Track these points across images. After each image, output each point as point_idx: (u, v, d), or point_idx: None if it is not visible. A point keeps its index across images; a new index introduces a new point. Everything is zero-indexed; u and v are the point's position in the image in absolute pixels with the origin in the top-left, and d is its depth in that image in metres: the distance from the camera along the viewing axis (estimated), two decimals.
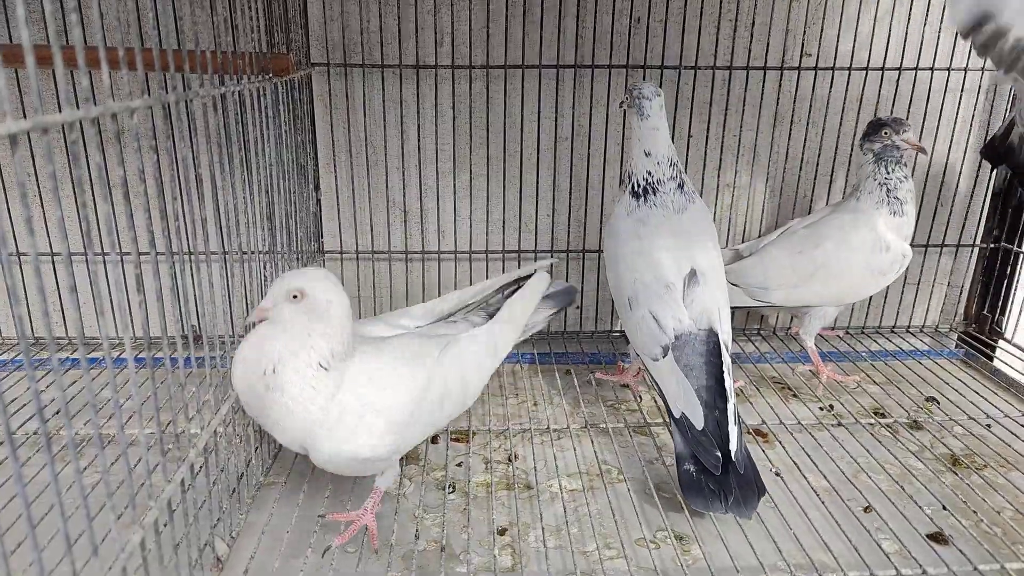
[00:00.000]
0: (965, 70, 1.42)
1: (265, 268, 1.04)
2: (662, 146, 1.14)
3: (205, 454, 0.81)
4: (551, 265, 1.17)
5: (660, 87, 1.15)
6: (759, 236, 1.51)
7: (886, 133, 1.27)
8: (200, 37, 0.79)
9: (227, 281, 0.90)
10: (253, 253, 0.97)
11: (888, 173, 1.28)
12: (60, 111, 0.51)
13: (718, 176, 1.47)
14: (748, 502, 0.95)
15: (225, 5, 0.86)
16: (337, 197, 1.43)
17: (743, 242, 1.48)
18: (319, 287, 0.84)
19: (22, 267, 1.28)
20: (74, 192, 0.53)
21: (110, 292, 0.63)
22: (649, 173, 1.14)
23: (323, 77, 1.36)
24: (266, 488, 1.04)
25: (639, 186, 1.15)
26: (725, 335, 1.06)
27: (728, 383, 1.01)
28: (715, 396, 1.00)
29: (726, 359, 1.03)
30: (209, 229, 0.81)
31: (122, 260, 0.58)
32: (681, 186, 1.15)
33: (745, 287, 1.34)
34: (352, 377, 0.86)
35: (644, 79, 1.38)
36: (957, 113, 1.45)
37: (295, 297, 0.84)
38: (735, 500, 0.94)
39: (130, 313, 0.61)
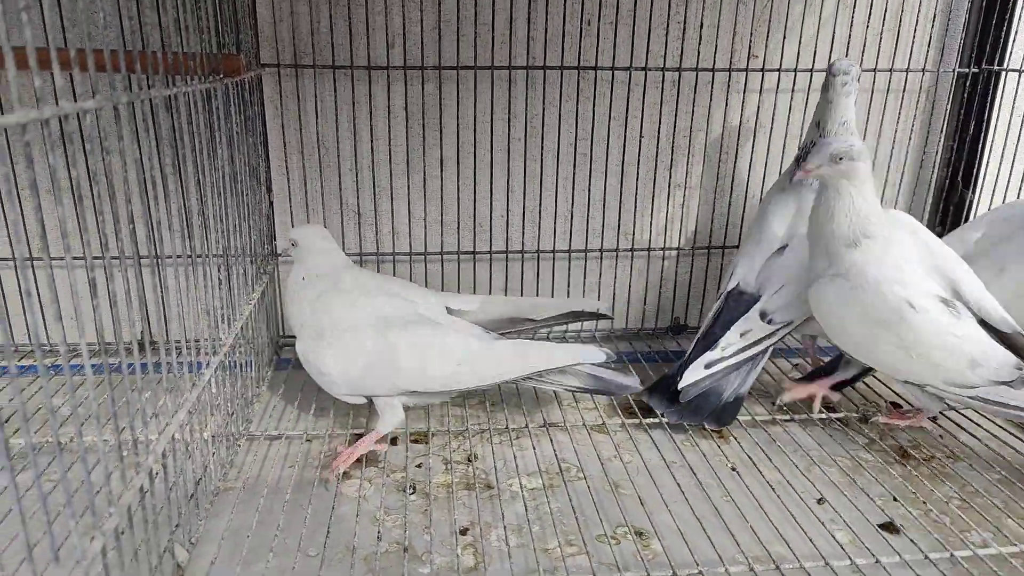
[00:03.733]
0: (906, 71, 1.49)
1: (219, 271, 1.03)
2: (828, 121, 1.27)
3: (163, 460, 0.80)
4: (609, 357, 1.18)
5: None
6: (710, 234, 1.56)
7: None
8: (150, 38, 0.78)
9: (176, 285, 0.88)
10: (207, 256, 0.96)
11: None
12: None
13: (669, 176, 1.51)
14: None
15: (175, 5, 0.85)
16: (290, 199, 1.41)
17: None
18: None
19: None
20: (18, 197, 0.52)
21: (57, 298, 0.60)
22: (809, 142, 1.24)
23: (273, 78, 1.34)
24: (224, 494, 1.02)
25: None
26: None
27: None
28: None
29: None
30: (163, 232, 0.80)
31: (68, 265, 0.57)
32: None
33: None
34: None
35: (595, 80, 1.41)
36: (900, 112, 1.52)
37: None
38: None
39: (72, 319, 0.60)
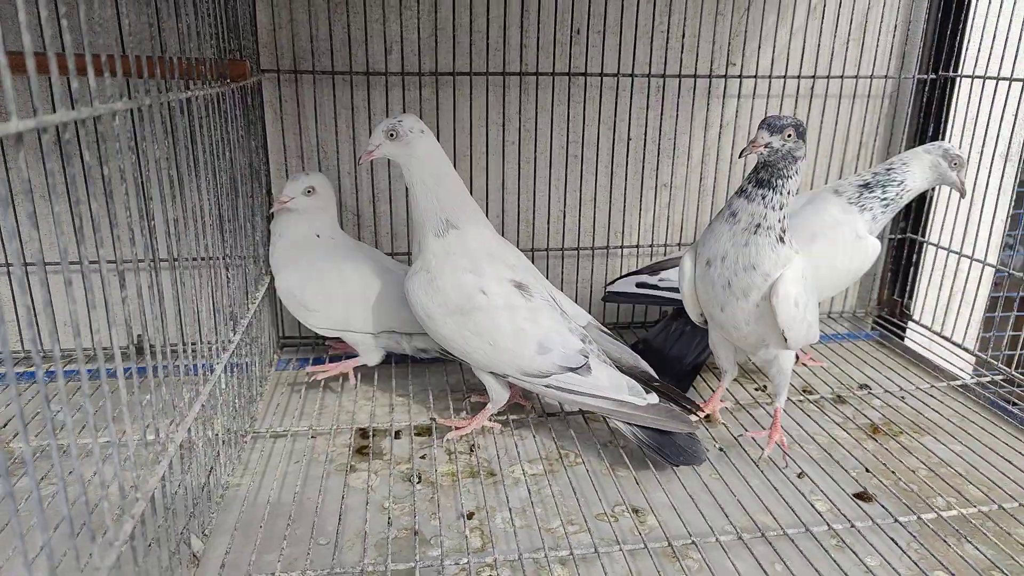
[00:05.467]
0: (871, 78, 1.57)
1: (228, 271, 1.06)
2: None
3: (181, 451, 0.83)
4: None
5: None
6: (695, 231, 1.62)
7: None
8: (167, 43, 0.81)
9: (192, 285, 0.92)
10: (218, 257, 0.99)
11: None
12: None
13: (656, 176, 1.56)
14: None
15: (188, 12, 0.88)
16: None
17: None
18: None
19: None
20: (30, 200, 0.54)
21: (82, 299, 0.63)
22: None
23: (272, 84, 1.38)
24: (234, 488, 1.05)
25: None
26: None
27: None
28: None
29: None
30: (179, 233, 0.83)
31: (73, 267, 0.59)
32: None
33: None
34: None
35: (585, 86, 1.46)
36: (865, 116, 1.60)
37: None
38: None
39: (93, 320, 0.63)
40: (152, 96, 0.74)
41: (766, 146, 0.98)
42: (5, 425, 1.16)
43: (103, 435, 0.97)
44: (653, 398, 1.12)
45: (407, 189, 1.17)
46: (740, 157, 1.00)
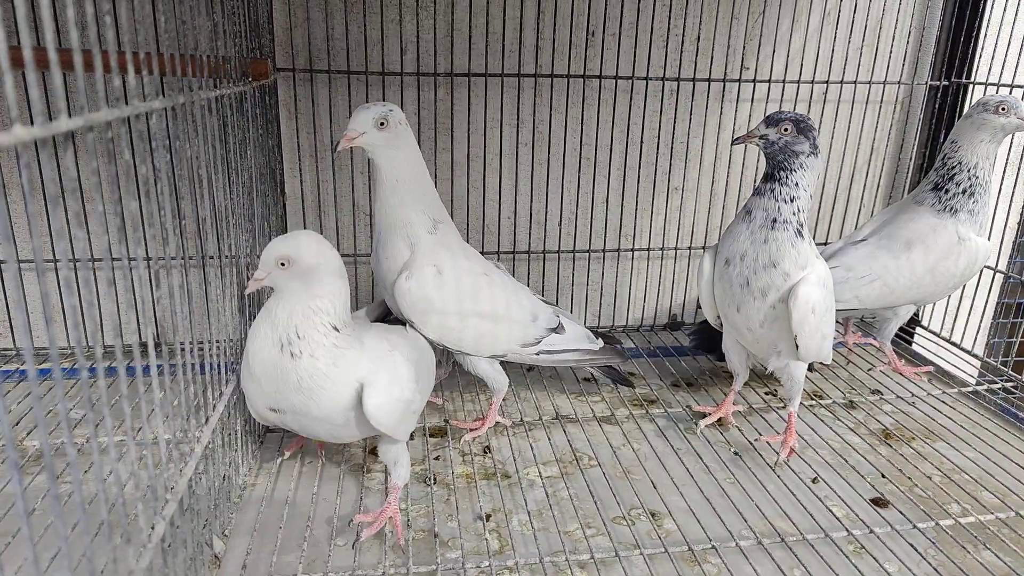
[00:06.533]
0: (884, 83, 1.58)
1: (249, 269, 1.05)
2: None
3: (206, 451, 0.83)
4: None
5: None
6: (705, 235, 1.63)
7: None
8: (197, 42, 0.81)
9: (216, 283, 0.91)
10: (237, 257, 0.98)
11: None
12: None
13: (668, 179, 1.57)
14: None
15: (216, 11, 0.88)
16: (302, 201, 1.44)
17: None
18: (304, 250, 0.87)
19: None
20: (62, 199, 0.53)
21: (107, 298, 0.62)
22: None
23: (287, 83, 1.37)
24: (250, 489, 1.05)
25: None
26: None
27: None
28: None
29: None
30: (207, 231, 0.83)
31: (92, 266, 0.59)
32: None
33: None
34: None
35: (599, 89, 1.46)
36: (877, 122, 1.61)
37: (283, 265, 0.86)
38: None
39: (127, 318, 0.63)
40: (185, 94, 0.74)
41: (761, 137, 1.00)
42: (18, 423, 1.15)
43: (121, 434, 0.97)
44: (600, 341, 1.27)
45: (375, 188, 1.09)
46: (732, 145, 1.02)
